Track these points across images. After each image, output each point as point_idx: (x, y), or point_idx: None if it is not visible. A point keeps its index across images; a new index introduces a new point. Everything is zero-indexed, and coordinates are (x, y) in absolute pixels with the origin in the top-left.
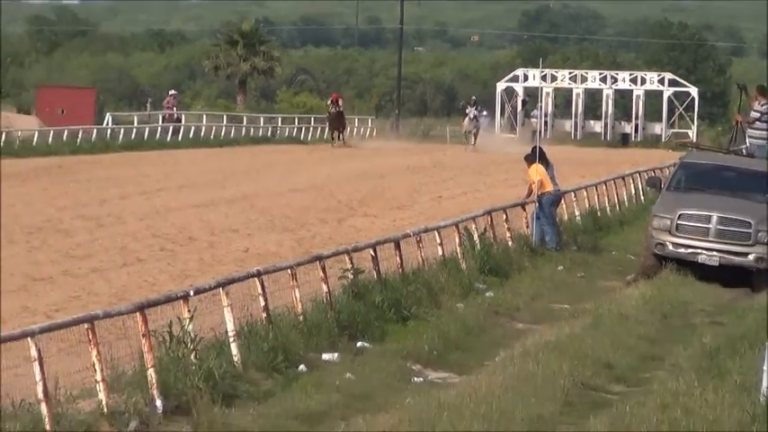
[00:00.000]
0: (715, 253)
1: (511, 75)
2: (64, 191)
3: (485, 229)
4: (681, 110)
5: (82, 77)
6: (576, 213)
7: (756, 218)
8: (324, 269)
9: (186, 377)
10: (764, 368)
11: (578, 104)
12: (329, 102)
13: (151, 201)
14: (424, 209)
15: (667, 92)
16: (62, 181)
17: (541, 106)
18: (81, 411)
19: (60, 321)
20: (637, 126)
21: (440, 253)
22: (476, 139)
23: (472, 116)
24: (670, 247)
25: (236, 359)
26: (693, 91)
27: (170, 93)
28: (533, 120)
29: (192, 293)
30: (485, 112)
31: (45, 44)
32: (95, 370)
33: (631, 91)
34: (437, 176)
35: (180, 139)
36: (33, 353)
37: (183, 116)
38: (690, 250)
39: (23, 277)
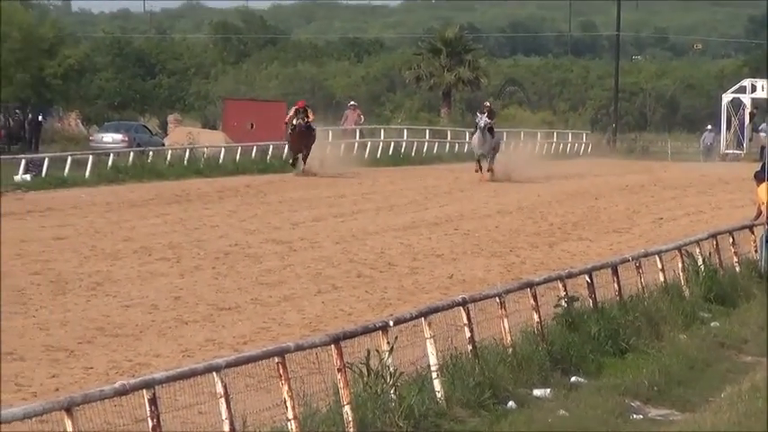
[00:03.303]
0: None
1: (737, 85)
2: (253, 213)
3: (709, 253)
4: None
5: (271, 89)
6: None
7: None
8: (535, 297)
9: (385, 415)
10: None
11: None
12: (292, 111)
13: (347, 223)
14: (644, 231)
15: None
16: (251, 202)
17: None
18: None
19: (248, 355)
20: None
21: (661, 279)
22: (492, 159)
23: (483, 124)
24: None
25: (439, 395)
26: None
27: (348, 104)
28: (762, 134)
29: (391, 324)
30: (493, 120)
31: (232, 53)
32: (287, 407)
33: None
34: (657, 196)
35: (378, 156)
36: (219, 389)
37: (382, 131)
38: None
39: (208, 306)
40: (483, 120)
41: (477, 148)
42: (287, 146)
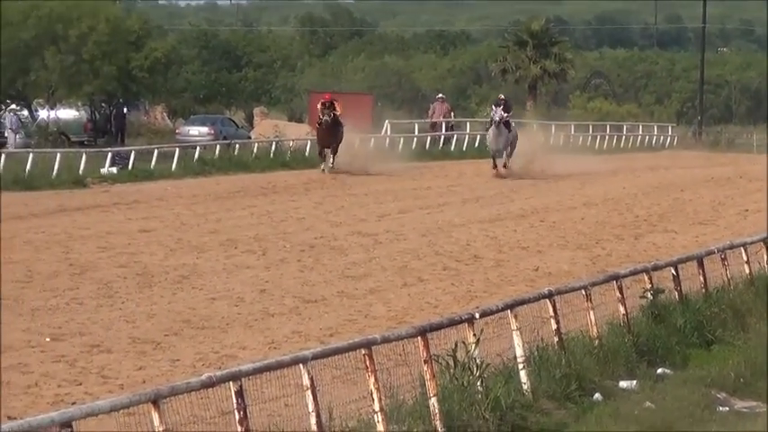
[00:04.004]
0: None
1: None
2: (339, 205)
3: None
4: None
5: (357, 82)
6: None
7: None
8: (621, 289)
9: (471, 407)
10: None
11: None
12: (319, 105)
13: (433, 216)
14: (729, 223)
15: None
16: (337, 194)
17: None
18: None
19: (335, 346)
20: None
21: (746, 271)
22: (509, 156)
23: (498, 118)
24: None
25: (525, 387)
26: None
27: (436, 97)
28: None
29: (477, 316)
30: (509, 114)
31: (318, 46)
32: (373, 399)
33: None
34: (743, 188)
35: (464, 148)
36: (306, 381)
37: (468, 124)
38: None
39: (294, 299)
40: (498, 113)
41: (493, 143)
42: (317, 141)
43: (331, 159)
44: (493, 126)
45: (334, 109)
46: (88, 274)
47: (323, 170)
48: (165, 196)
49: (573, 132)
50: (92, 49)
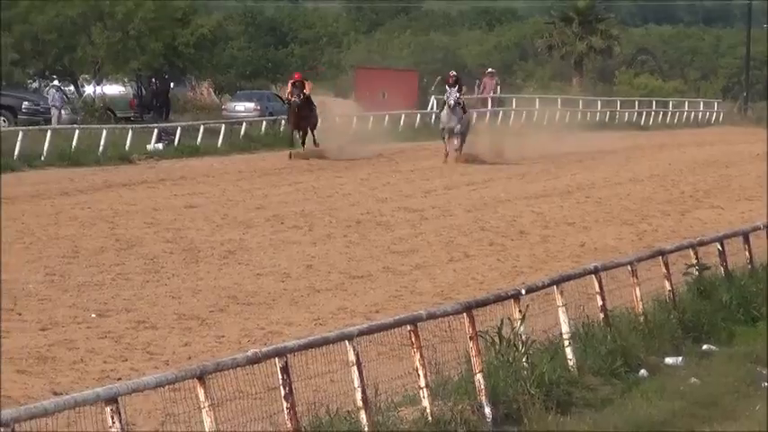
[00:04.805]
0: None
1: None
2: (385, 181)
3: None
4: None
5: (404, 58)
6: None
7: None
8: (666, 265)
9: (517, 383)
10: None
11: None
12: (289, 84)
13: (479, 192)
14: None
15: None
16: (383, 171)
17: None
18: (403, 420)
19: (380, 323)
20: None
21: None
22: (462, 141)
23: (452, 102)
24: None
25: (570, 363)
26: None
27: (486, 71)
28: None
29: (523, 292)
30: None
31: (364, 23)
32: (418, 375)
33: None
34: None
35: (510, 124)
36: (351, 357)
37: (514, 100)
38: None
39: (341, 275)
40: (453, 96)
41: (445, 122)
42: (288, 121)
43: (307, 140)
44: (446, 109)
45: (304, 88)
46: (134, 250)
47: (293, 154)
48: (211, 172)
49: (619, 108)
50: (138, 25)
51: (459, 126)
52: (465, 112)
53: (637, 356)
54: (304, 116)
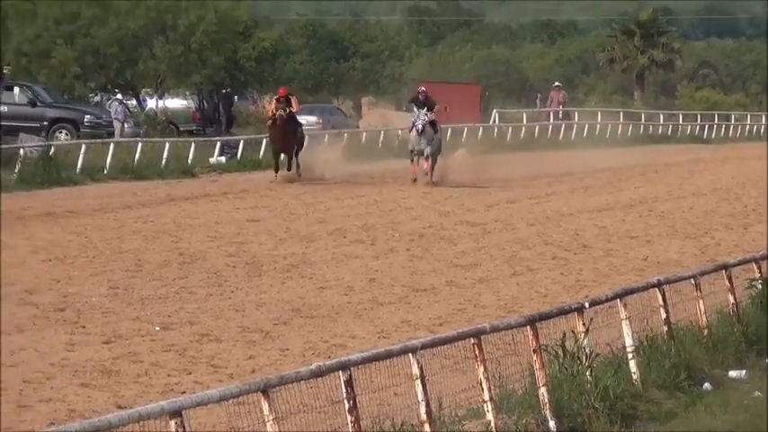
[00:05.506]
0: None
1: None
2: (447, 195)
3: None
4: None
5: (465, 71)
6: None
7: None
8: (730, 279)
9: (581, 396)
10: None
11: None
12: (273, 102)
13: (541, 205)
14: None
15: None
16: (445, 185)
17: None
18: None
19: (444, 336)
20: None
21: None
22: (433, 163)
23: (420, 125)
24: None
25: (634, 377)
26: None
27: (553, 85)
28: None
29: (587, 305)
30: (431, 115)
31: (426, 36)
32: (482, 388)
33: None
34: None
35: (573, 137)
36: (415, 370)
37: (576, 113)
38: None
39: (404, 288)
40: (421, 119)
41: (414, 145)
42: (270, 142)
43: (288, 165)
44: (414, 128)
45: (289, 104)
46: (197, 264)
47: (274, 179)
48: (273, 186)
49: (681, 122)
50: (200, 38)
51: (429, 148)
52: (436, 132)
53: (700, 370)
54: (287, 136)
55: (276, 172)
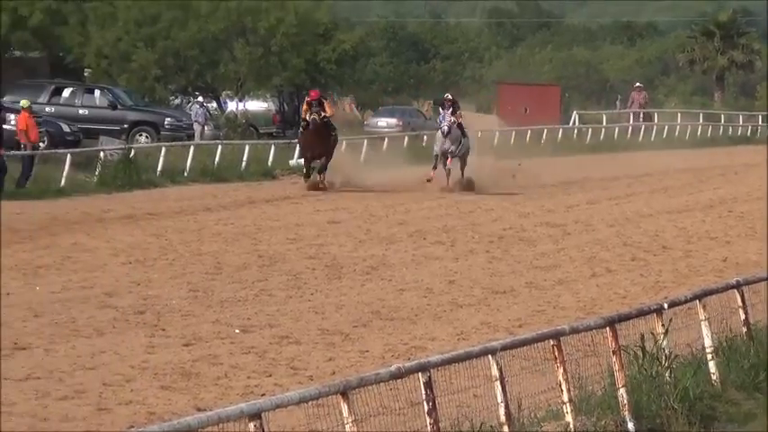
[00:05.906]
0: None
1: None
2: (528, 196)
3: None
4: None
5: (545, 73)
6: None
7: None
8: None
9: (660, 397)
10: None
11: None
12: (305, 105)
13: (621, 206)
14: None
15: None
16: (525, 185)
17: None
18: None
19: (523, 337)
20: None
21: None
22: (463, 166)
23: (446, 127)
24: None
25: (713, 377)
26: None
27: (635, 86)
28: None
29: (666, 306)
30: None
31: (506, 38)
32: (561, 390)
33: None
34: None
35: (652, 138)
36: (495, 372)
37: (656, 114)
38: None
39: (483, 290)
40: (446, 121)
41: (441, 148)
42: (300, 149)
43: (319, 173)
44: (440, 131)
45: (323, 109)
46: (277, 266)
47: (307, 185)
48: (353, 188)
49: (761, 123)
50: (280, 41)
51: (453, 147)
52: (464, 135)
53: None
54: (320, 140)
55: (307, 179)
